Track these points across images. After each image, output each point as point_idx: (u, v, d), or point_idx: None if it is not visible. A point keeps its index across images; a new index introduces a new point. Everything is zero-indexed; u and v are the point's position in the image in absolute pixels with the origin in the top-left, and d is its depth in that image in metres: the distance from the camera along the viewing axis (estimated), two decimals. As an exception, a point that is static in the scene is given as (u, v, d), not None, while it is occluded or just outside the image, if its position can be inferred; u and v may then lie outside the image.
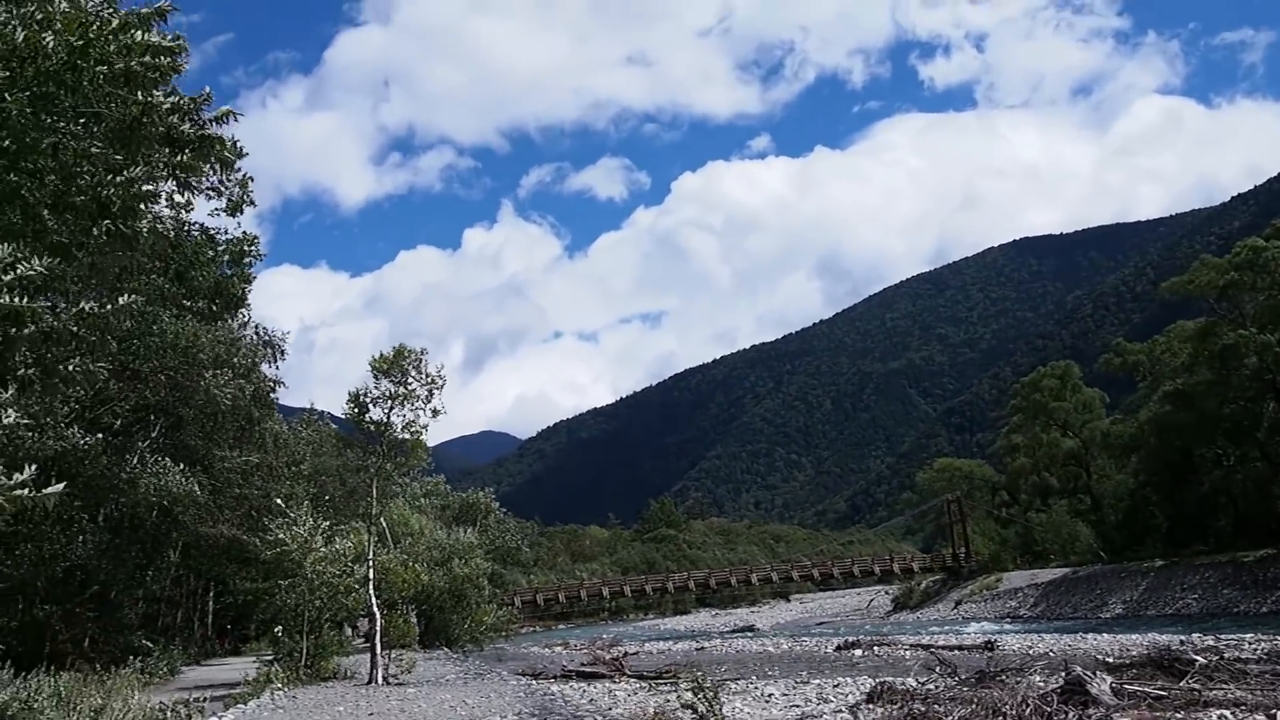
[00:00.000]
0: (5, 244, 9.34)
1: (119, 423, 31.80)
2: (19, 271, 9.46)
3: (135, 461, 32.73)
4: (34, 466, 8.67)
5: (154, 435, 34.36)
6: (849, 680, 29.47)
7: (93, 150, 10.80)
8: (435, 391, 30.58)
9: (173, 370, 30.01)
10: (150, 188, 11.62)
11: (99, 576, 35.12)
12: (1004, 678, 21.04)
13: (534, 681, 31.61)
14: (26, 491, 8.48)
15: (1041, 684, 19.96)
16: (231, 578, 55.73)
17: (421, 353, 30.74)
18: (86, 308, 10.76)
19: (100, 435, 30.21)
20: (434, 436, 33.08)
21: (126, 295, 11.30)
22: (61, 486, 8.68)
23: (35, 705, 25.50)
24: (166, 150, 11.88)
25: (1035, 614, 76.24)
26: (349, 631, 47.73)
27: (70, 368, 11.43)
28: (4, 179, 10.13)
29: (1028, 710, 15.17)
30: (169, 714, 17.68)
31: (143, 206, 11.52)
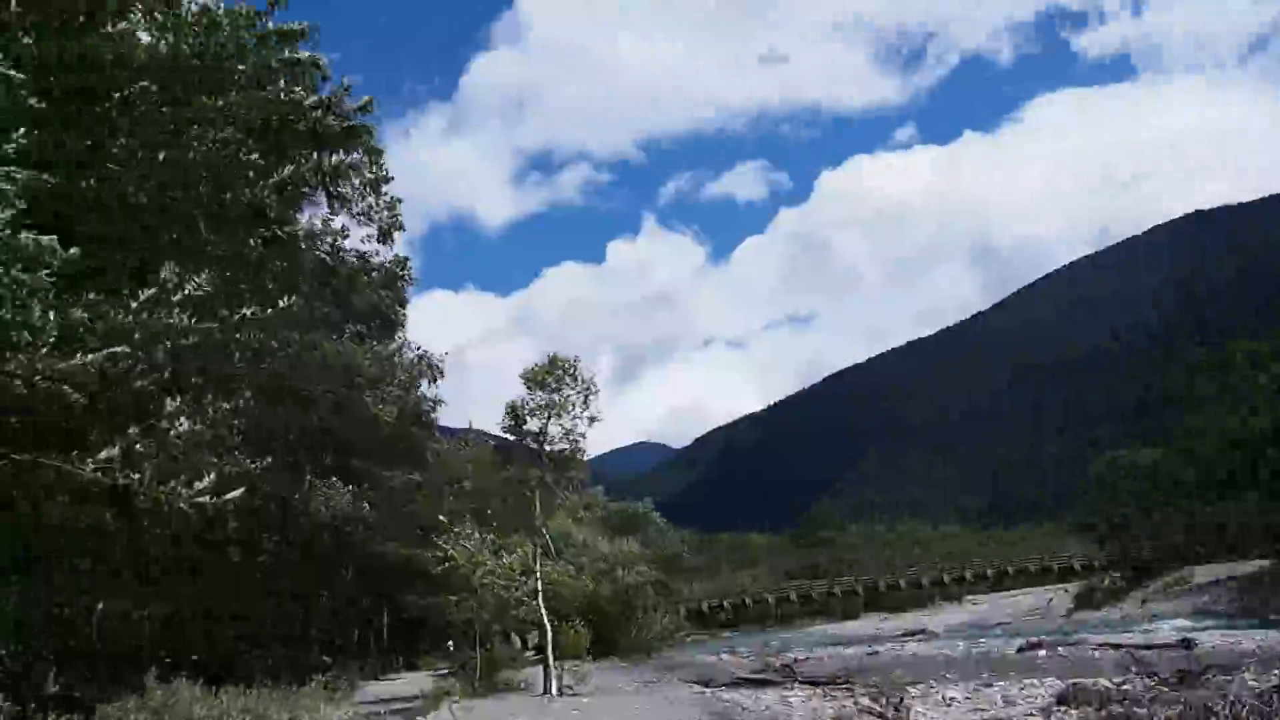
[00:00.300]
0: (170, 263, 9.60)
1: (289, 447, 32.72)
2: (187, 291, 9.71)
3: (307, 484, 33.66)
4: (213, 475, 8.82)
5: (323, 458, 35.31)
6: (1035, 682, 28.22)
7: (243, 157, 11.01)
8: (591, 397, 30.58)
9: (335, 392, 30.76)
10: (306, 190, 11.79)
11: (280, 598, 36.24)
12: (1210, 677, 19.72)
13: (706, 690, 31.24)
14: (210, 499, 8.59)
15: (1254, 683, 18.62)
16: (403, 595, 57.02)
17: (575, 360, 30.82)
18: (249, 313, 10.98)
19: (270, 459, 31.14)
20: (589, 449, 33.11)
21: (287, 299, 11.51)
22: (241, 491, 8.80)
23: (228, 721, 26.43)
24: (314, 153, 12.05)
25: (1233, 611, 71.81)
26: (518, 643, 48.20)
27: (238, 399, 11.73)
28: (162, 196, 10.40)
29: (1243, 710, 14.07)
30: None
31: (296, 213, 11.75)
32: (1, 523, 19.59)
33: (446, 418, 52.79)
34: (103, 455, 8.28)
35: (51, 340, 8.17)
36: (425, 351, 41.53)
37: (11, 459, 8.14)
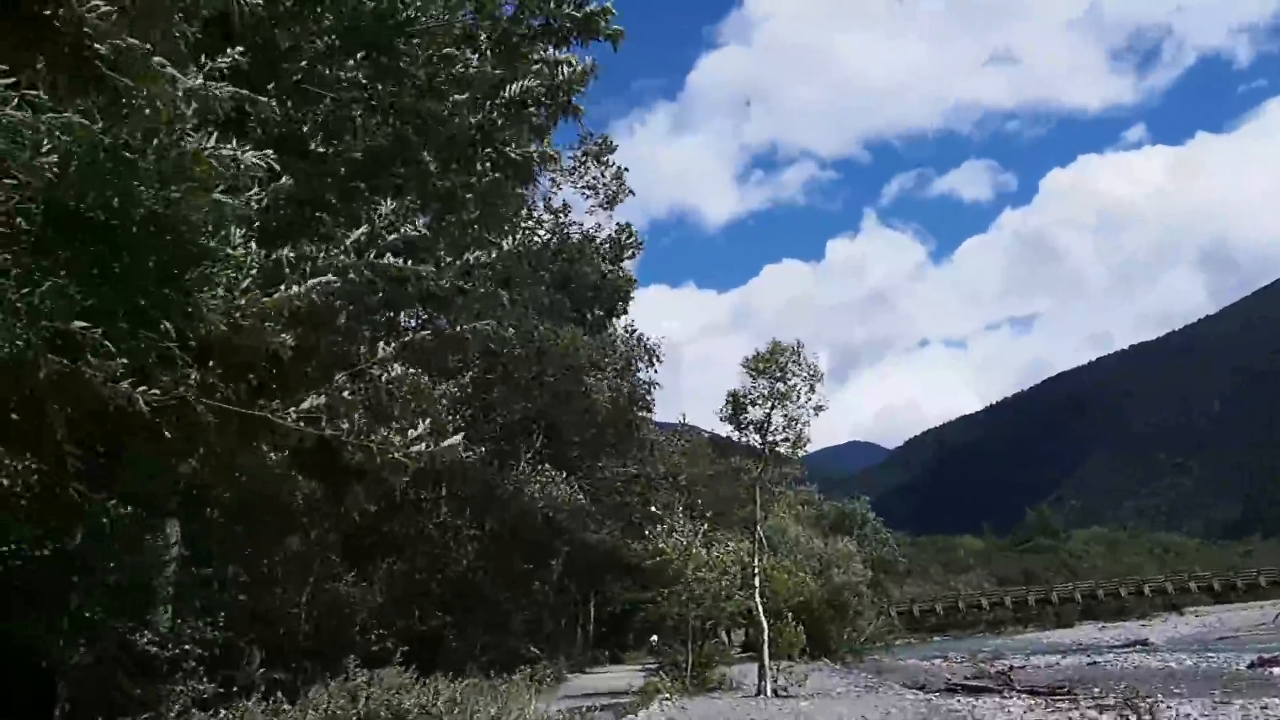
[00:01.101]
0: (389, 199, 8.48)
1: (501, 433, 32.09)
2: (403, 232, 8.59)
3: (519, 471, 33.03)
4: (428, 420, 7.60)
5: (535, 445, 34.61)
6: (1278, 701, 25.11)
7: (471, 71, 9.77)
8: (816, 385, 28.86)
9: (552, 377, 29.89)
10: (534, 112, 10.48)
11: (487, 585, 35.78)
12: None
13: (932, 696, 29.09)
14: (425, 447, 7.34)
15: None
16: (610, 586, 56.54)
17: (799, 347, 29.09)
18: (472, 258, 9.82)
19: (483, 448, 30.59)
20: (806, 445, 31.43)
21: (510, 240, 10.30)
22: (460, 438, 7.56)
23: (433, 711, 25.90)
24: (544, 67, 10.70)
25: None
26: (726, 639, 46.89)
27: (460, 328, 10.57)
28: (383, 128, 9.31)
29: None
30: (564, 723, 16.76)
31: (528, 134, 10.47)
32: (217, 492, 19.33)
33: (661, 413, 51.93)
34: (307, 404, 7.06)
35: (252, 275, 7.01)
36: (642, 335, 40.45)
37: (215, 406, 7.00)
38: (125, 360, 6.07)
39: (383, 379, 8.15)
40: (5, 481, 9.89)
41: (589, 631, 64.74)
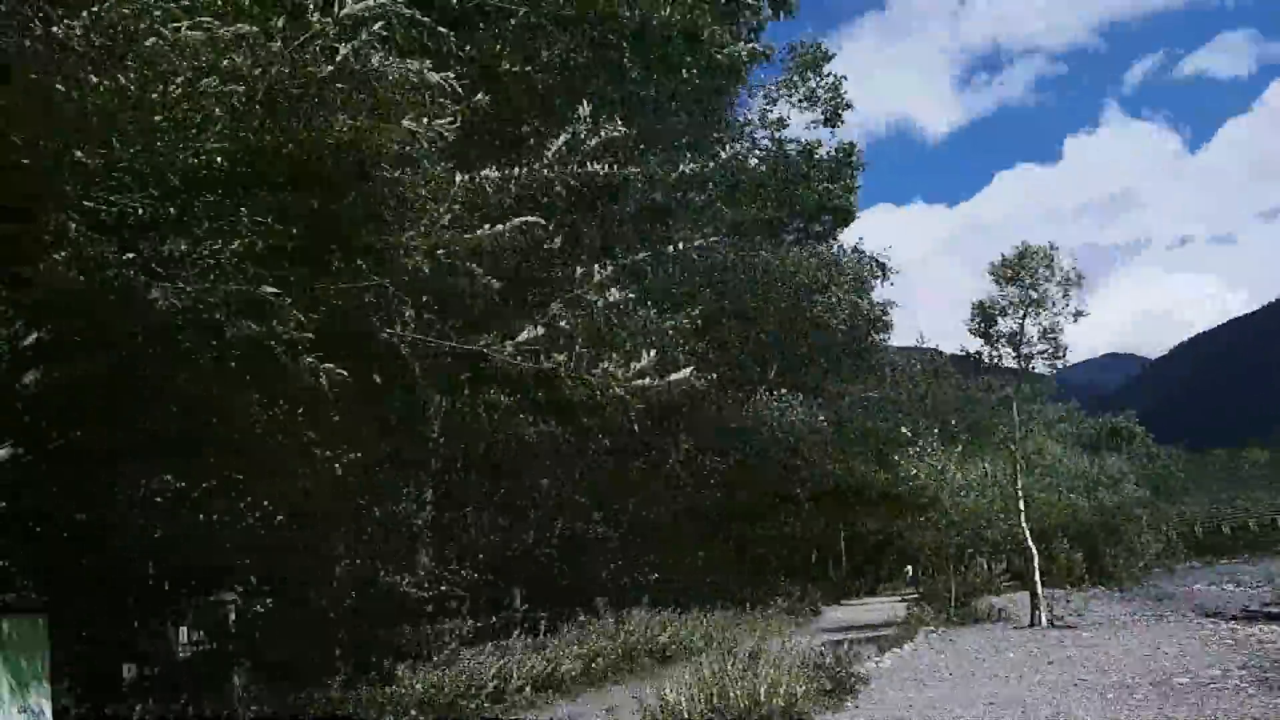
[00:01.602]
0: (585, 103, 8.04)
1: (734, 361, 31.67)
2: (605, 134, 8.11)
3: (756, 400, 32.60)
4: (653, 352, 7.27)
5: (770, 373, 34.09)
6: None
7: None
8: (1072, 289, 27.06)
9: (781, 301, 29.19)
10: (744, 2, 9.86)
11: (734, 519, 35.72)
12: None
13: (1231, 624, 26.97)
14: (647, 381, 7.02)
15: None
16: (861, 516, 55.66)
17: (1051, 249, 27.32)
18: (687, 169, 9.41)
19: (715, 376, 30.31)
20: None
21: (724, 150, 9.78)
22: (689, 371, 7.22)
23: (691, 645, 26.08)
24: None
25: None
26: (987, 569, 45.35)
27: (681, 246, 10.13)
28: (579, 38, 8.92)
29: None
30: (826, 657, 16.34)
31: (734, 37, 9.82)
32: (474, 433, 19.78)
33: (895, 336, 50.24)
34: (523, 336, 6.84)
35: (455, 208, 6.80)
36: (872, 253, 39.01)
37: (430, 343, 6.89)
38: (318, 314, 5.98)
39: (599, 305, 7.80)
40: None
41: (841, 563, 64.07)
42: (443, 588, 19.08)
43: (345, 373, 6.95)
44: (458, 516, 22.18)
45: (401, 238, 6.43)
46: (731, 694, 13.47)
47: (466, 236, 6.91)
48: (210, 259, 5.47)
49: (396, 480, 17.19)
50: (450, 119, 6.88)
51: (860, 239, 39.77)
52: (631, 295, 8.16)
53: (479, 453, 19.64)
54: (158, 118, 5.46)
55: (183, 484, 15.27)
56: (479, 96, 7.26)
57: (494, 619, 21.94)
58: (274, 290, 5.66)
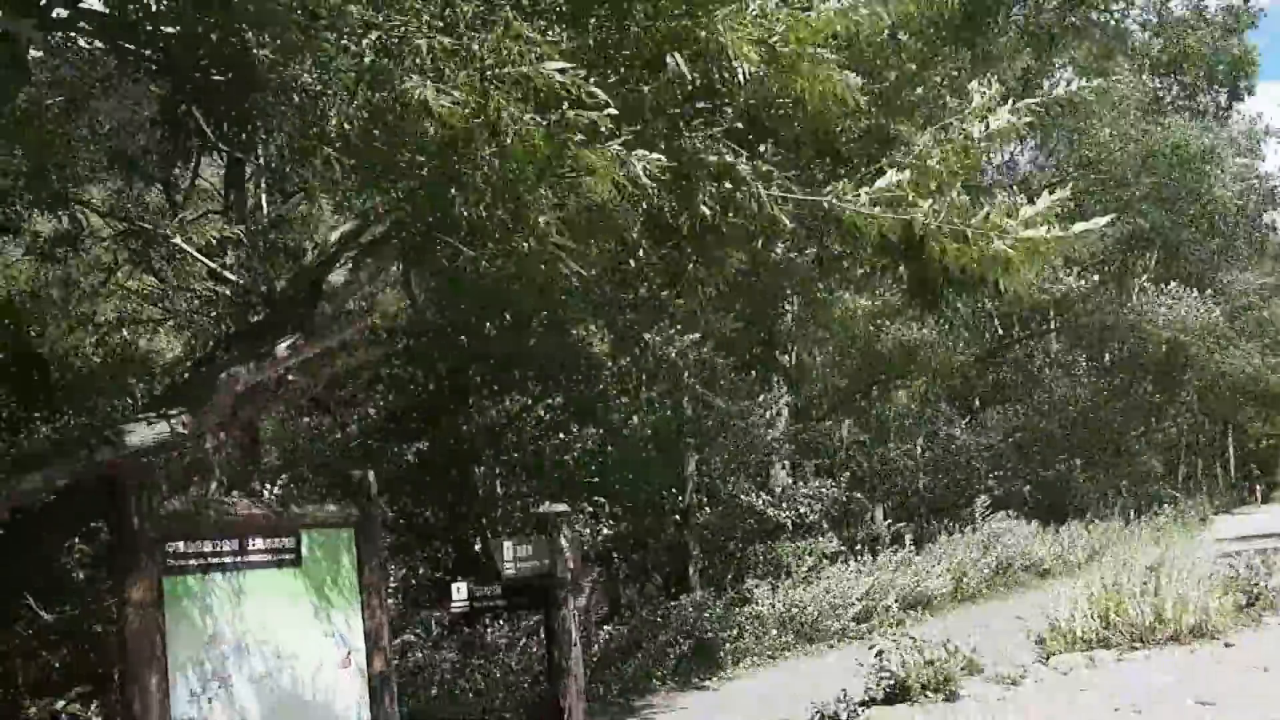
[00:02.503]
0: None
1: (1112, 250, 27.98)
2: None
3: (1135, 292, 28.91)
4: (1051, 194, 5.36)
5: (1150, 261, 30.05)
6: None
7: None
8: None
9: (1166, 179, 25.29)
10: None
11: (1112, 423, 32.08)
12: None
13: None
14: (1046, 233, 5.12)
15: None
16: (1251, 419, 49.89)
17: None
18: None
19: (1096, 276, 27.01)
20: None
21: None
22: (1103, 220, 5.29)
23: (1069, 559, 23.54)
24: None
25: None
26: None
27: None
28: None
29: None
30: (1235, 569, 13.79)
31: None
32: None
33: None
34: (884, 181, 5.06)
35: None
36: (1271, 125, 33.57)
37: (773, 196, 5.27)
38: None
39: (980, 135, 5.91)
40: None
41: (1230, 469, 57.91)
42: (800, 505, 17.55)
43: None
44: (813, 425, 20.62)
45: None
46: (1131, 611, 11.77)
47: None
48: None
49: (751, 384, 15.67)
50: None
51: (1259, 114, 34.50)
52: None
53: (831, 355, 17.88)
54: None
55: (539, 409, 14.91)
56: None
57: (857, 535, 20.47)
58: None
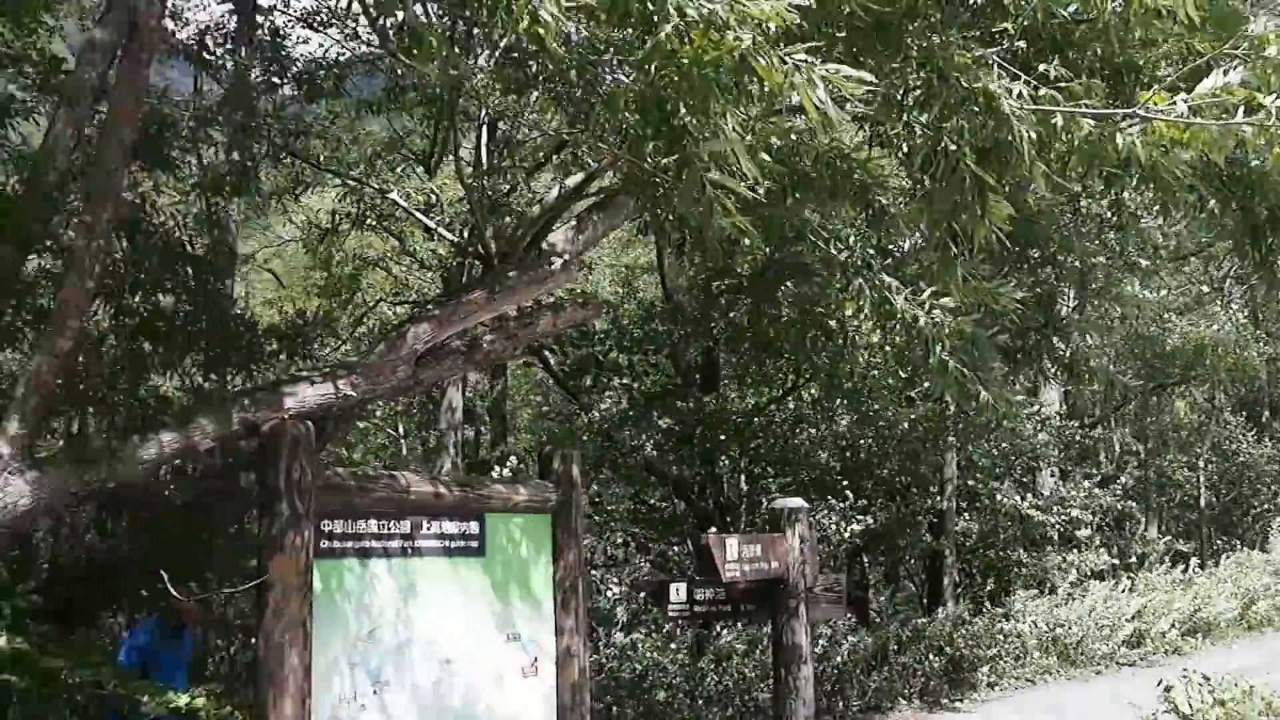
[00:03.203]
0: None
1: None
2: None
3: None
4: None
5: None
6: None
7: None
8: None
9: None
10: None
11: None
12: None
13: None
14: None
15: None
16: None
17: None
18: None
19: None
20: None
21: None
22: None
23: None
24: None
25: None
26: None
27: None
28: None
29: None
30: None
31: None
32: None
33: None
34: (1210, 83, 3.47)
35: None
36: None
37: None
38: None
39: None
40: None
41: None
42: (1072, 512, 15.45)
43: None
44: (1086, 431, 18.25)
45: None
46: None
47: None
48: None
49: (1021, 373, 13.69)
50: None
51: None
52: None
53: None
54: None
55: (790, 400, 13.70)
56: None
57: (1129, 550, 18.04)
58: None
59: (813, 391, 13.26)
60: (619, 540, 14.03)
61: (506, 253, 6.76)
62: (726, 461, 13.38)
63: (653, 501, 14.66)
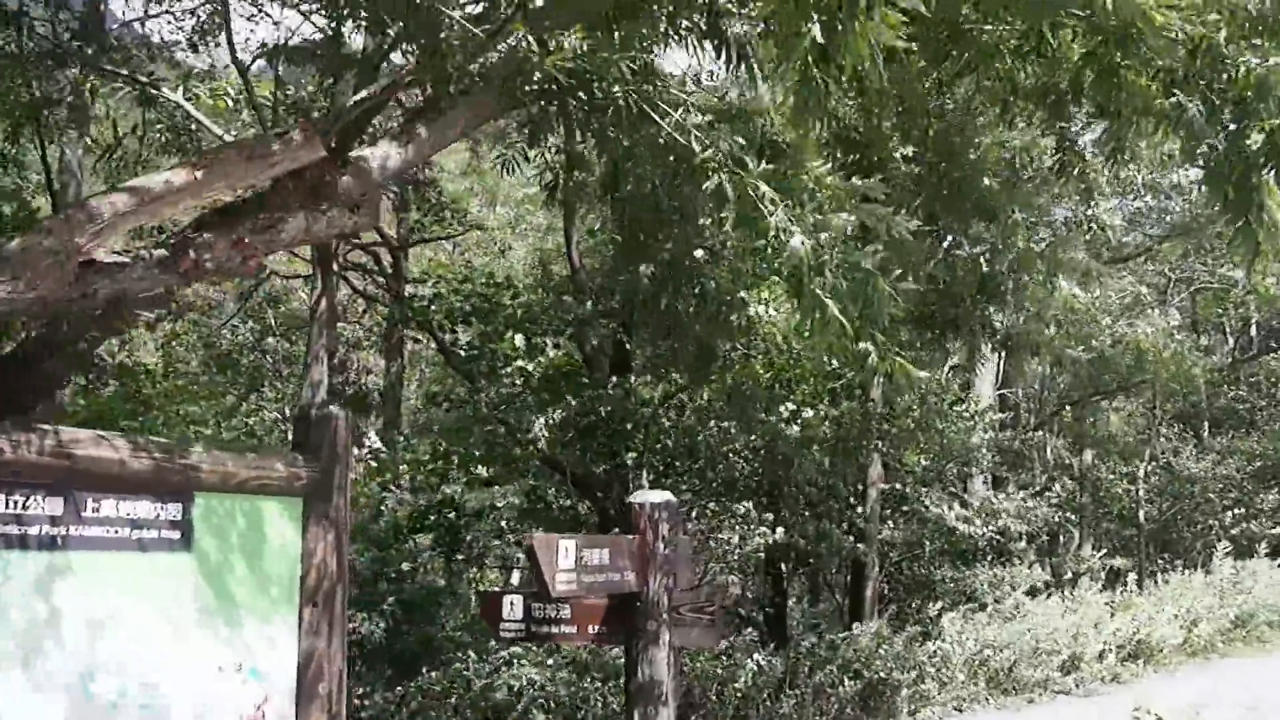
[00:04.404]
0: None
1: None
2: None
3: None
4: None
5: None
6: None
7: None
8: None
9: None
10: None
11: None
12: None
13: None
14: None
15: None
16: None
17: None
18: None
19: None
20: None
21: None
22: None
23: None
24: None
25: None
26: None
27: None
28: None
29: None
30: None
31: None
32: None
33: None
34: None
35: None
36: None
37: None
38: None
39: None
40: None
41: None
42: (1004, 523, 14.02)
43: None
44: (1021, 435, 16.88)
45: None
46: None
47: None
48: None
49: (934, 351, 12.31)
50: None
51: None
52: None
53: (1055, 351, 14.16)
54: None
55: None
56: None
57: (1063, 567, 16.67)
58: None
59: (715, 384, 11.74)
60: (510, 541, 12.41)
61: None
62: (632, 457, 11.78)
63: (552, 499, 13.05)
